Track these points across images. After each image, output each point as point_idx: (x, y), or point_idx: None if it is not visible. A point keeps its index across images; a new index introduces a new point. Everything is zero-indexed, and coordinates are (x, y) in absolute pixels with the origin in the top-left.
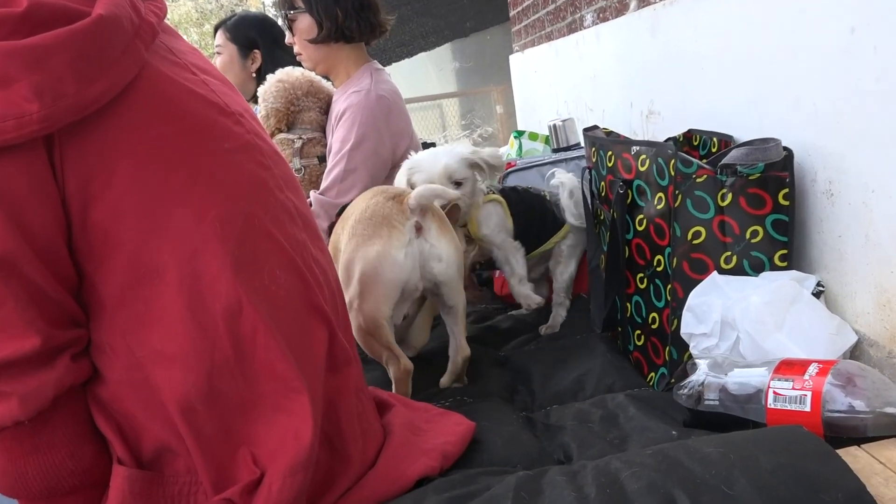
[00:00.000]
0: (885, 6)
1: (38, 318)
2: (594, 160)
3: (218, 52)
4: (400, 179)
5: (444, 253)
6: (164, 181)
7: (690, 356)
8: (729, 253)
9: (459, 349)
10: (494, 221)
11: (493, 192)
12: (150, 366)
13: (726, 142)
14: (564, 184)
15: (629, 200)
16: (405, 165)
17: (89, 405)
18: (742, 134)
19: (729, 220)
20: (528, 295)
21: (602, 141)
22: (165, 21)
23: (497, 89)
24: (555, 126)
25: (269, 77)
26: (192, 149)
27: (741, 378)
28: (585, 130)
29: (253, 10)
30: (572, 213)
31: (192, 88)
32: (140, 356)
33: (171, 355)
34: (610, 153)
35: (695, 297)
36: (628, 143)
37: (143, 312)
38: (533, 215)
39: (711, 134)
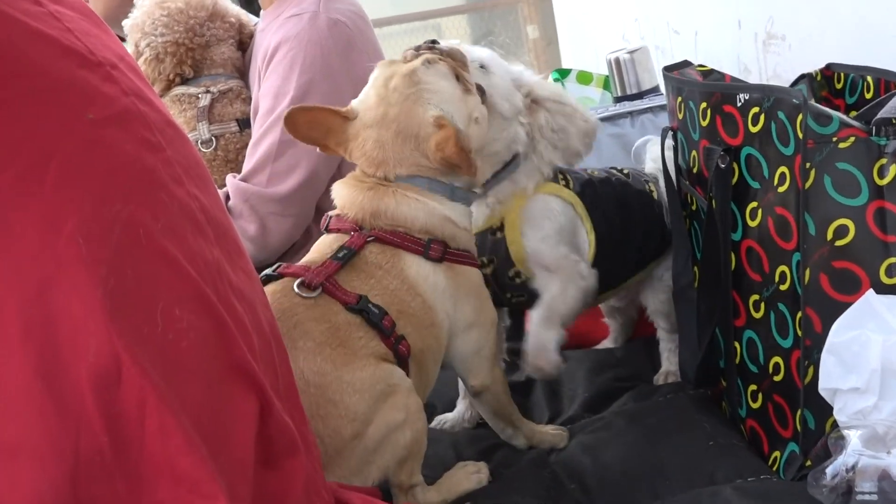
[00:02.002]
0: None
1: None
2: (681, 116)
3: None
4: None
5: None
6: None
7: (835, 424)
8: (894, 259)
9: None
10: (551, 227)
11: (561, 182)
12: None
13: (888, 82)
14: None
15: (735, 180)
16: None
17: None
18: None
19: (892, 208)
20: (546, 351)
21: (692, 86)
22: None
23: (527, 0)
24: (618, 60)
25: (140, 0)
26: (35, 122)
27: None
28: (667, 70)
29: None
30: None
31: (35, 27)
32: None
33: (13, 447)
34: (704, 105)
35: (840, 332)
36: (733, 88)
37: None
38: (630, 226)
39: (864, 70)
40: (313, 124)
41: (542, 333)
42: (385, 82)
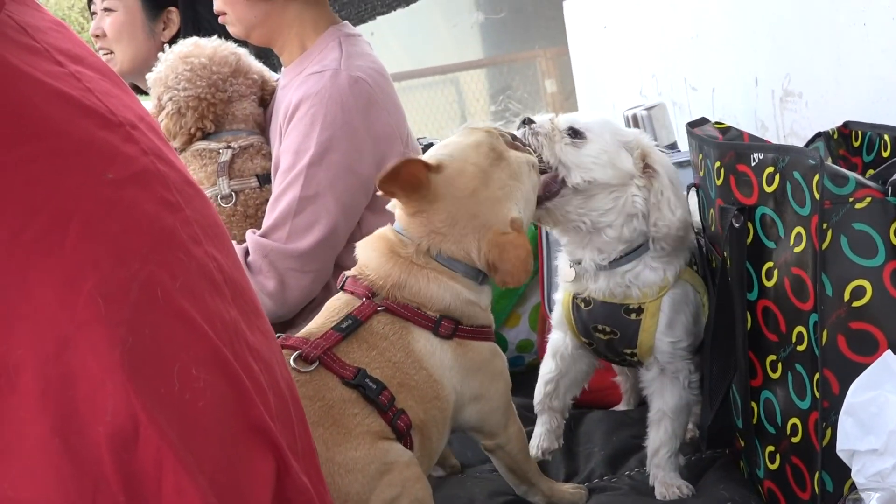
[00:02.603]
0: None
1: None
2: (701, 174)
3: (107, 10)
4: None
5: None
6: (12, 235)
7: (853, 486)
8: None
9: None
10: (684, 324)
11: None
12: None
13: None
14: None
15: (750, 239)
16: None
17: None
18: None
19: None
20: (677, 482)
21: (709, 144)
22: None
23: (545, 55)
24: (636, 117)
25: (164, 55)
26: (56, 183)
27: None
28: (691, 126)
29: None
30: None
31: (58, 87)
32: None
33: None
34: (718, 164)
35: (858, 393)
36: (747, 147)
37: None
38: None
39: (881, 128)
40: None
41: (671, 463)
42: (489, 160)
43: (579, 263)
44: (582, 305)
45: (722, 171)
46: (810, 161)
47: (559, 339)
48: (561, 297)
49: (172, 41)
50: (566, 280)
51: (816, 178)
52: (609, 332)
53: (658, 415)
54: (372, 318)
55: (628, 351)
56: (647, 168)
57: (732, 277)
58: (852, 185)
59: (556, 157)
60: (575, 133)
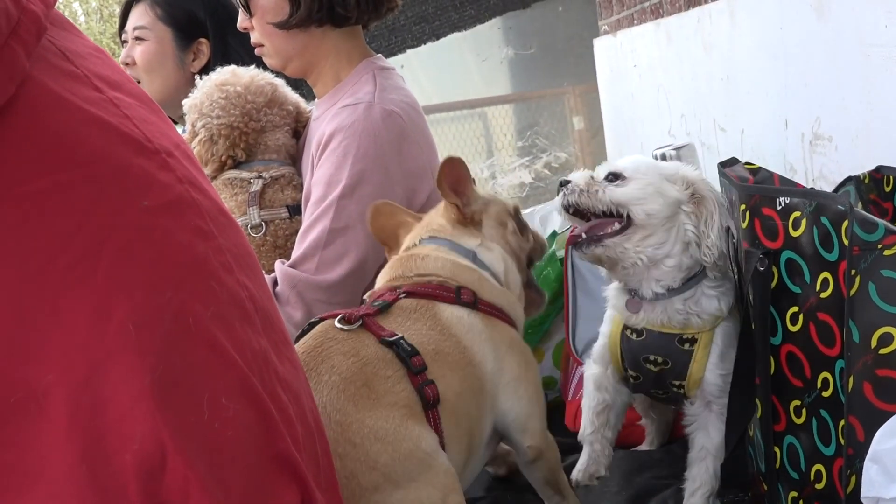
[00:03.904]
0: None
1: None
2: (735, 216)
3: (138, 39)
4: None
5: None
6: (47, 261)
7: None
8: None
9: None
10: (732, 358)
11: None
12: None
13: None
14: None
15: (775, 284)
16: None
17: None
18: None
19: None
20: None
21: (736, 186)
22: (56, 9)
23: (574, 92)
24: (665, 156)
25: (201, 81)
26: (92, 209)
27: None
28: (722, 165)
29: None
30: None
31: (96, 114)
32: None
33: None
34: (743, 206)
35: (884, 440)
36: (774, 192)
37: (14, 464)
38: None
39: None
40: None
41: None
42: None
43: (635, 294)
44: (633, 336)
45: (747, 214)
46: (839, 206)
47: (601, 372)
48: (608, 330)
49: (202, 73)
50: (621, 310)
51: (846, 224)
52: (661, 362)
53: (702, 453)
54: (397, 301)
55: (676, 383)
56: (693, 195)
57: (756, 321)
58: (881, 231)
59: (606, 201)
60: (615, 176)
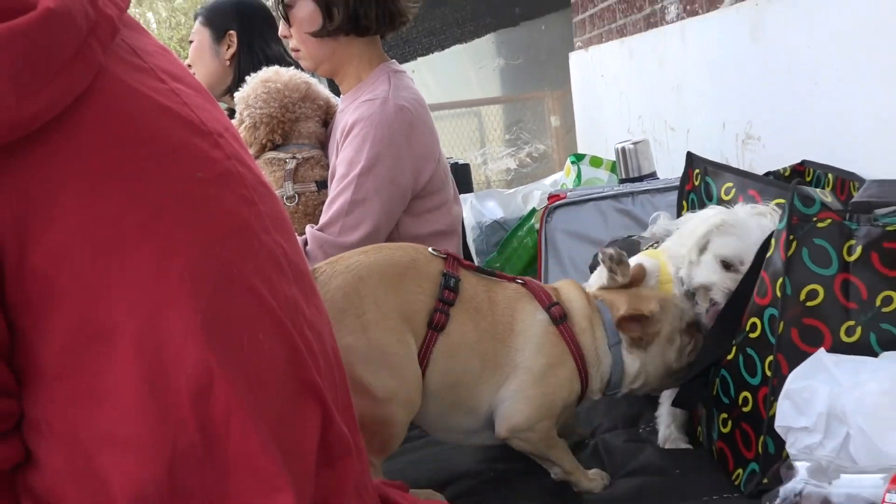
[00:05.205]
0: None
1: None
2: (697, 183)
3: (191, 42)
4: (691, 239)
5: None
6: (119, 220)
7: (787, 456)
8: (852, 322)
9: None
10: None
11: None
12: (97, 452)
13: (849, 182)
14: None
15: None
16: (708, 221)
17: (20, 499)
18: (868, 171)
19: (855, 281)
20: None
21: (716, 168)
22: (129, 14)
23: (552, 95)
24: (624, 150)
25: (250, 78)
26: (156, 179)
27: (850, 488)
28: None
29: None
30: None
31: (160, 101)
32: (85, 439)
33: (123, 440)
34: (728, 185)
35: (795, 381)
36: (751, 176)
37: (90, 385)
38: None
39: (827, 169)
40: None
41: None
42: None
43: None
44: None
45: (734, 190)
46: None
47: None
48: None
49: (232, 60)
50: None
51: (791, 198)
52: None
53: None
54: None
55: None
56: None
57: None
58: (817, 207)
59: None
60: (728, 266)
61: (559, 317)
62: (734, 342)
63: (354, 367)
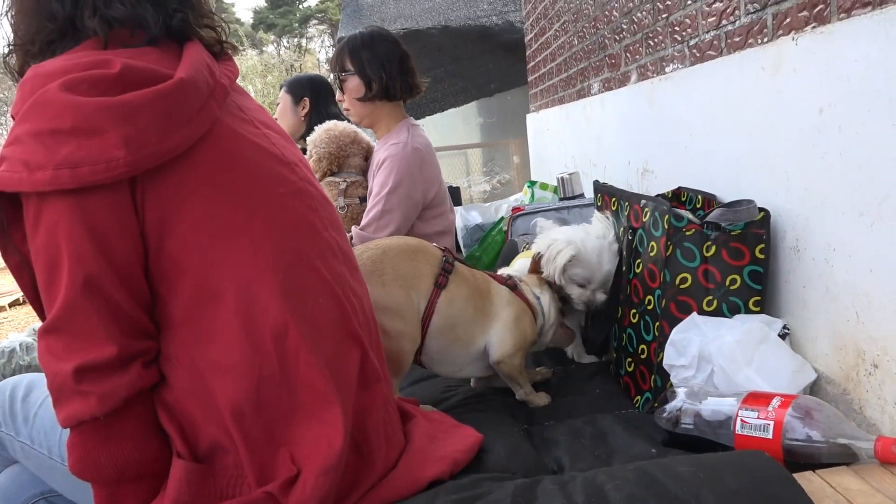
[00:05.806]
0: (848, 92)
1: (117, 330)
2: (615, 209)
3: (278, 104)
4: (554, 258)
5: None
6: (227, 219)
7: (671, 385)
8: (710, 297)
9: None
10: None
11: None
12: (208, 375)
13: (710, 200)
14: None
15: (634, 246)
16: (566, 248)
17: (155, 406)
18: (724, 194)
19: (712, 269)
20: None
21: (620, 193)
22: (237, 82)
23: (515, 142)
24: (562, 178)
25: (318, 128)
26: (252, 192)
27: (714, 406)
28: (600, 184)
29: (309, 66)
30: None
31: (256, 141)
32: (200, 366)
33: (226, 367)
34: (627, 204)
35: (676, 334)
36: (639, 197)
37: (205, 329)
38: None
39: (697, 192)
40: None
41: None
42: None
43: None
44: None
45: (628, 207)
46: (664, 207)
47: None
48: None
49: (306, 117)
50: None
51: (667, 216)
52: None
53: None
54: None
55: None
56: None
57: (624, 266)
58: (685, 221)
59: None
60: (581, 285)
61: (513, 286)
62: (638, 311)
63: (376, 315)
